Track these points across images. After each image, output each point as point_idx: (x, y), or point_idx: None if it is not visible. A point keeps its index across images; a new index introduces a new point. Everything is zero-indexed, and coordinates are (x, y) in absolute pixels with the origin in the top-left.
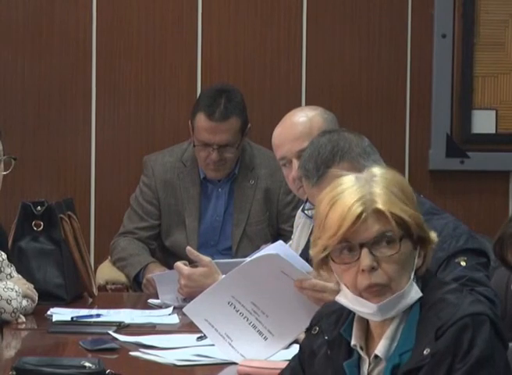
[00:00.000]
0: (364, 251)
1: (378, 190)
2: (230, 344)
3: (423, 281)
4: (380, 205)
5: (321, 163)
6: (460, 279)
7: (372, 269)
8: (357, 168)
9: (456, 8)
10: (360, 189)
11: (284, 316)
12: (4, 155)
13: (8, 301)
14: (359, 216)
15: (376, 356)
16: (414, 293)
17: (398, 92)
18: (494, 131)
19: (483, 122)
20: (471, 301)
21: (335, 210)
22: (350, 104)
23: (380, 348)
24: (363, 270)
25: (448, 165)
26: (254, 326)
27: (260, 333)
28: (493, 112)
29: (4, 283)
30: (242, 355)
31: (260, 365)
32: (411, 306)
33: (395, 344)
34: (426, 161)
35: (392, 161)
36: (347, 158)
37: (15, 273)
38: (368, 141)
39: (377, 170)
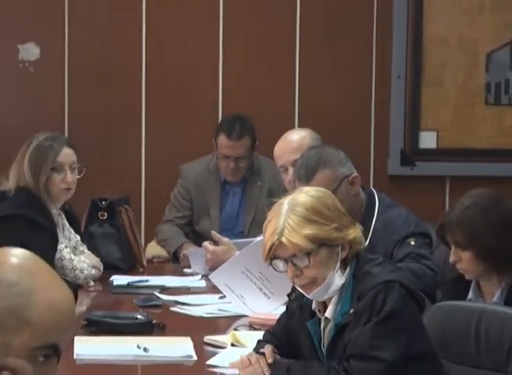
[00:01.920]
0: (290, 264)
1: (291, 221)
2: (243, 302)
3: (356, 260)
4: (284, 238)
5: (310, 170)
6: (411, 254)
7: (296, 276)
8: (336, 173)
9: (408, 57)
10: (278, 219)
11: (281, 281)
12: (78, 164)
13: (82, 271)
14: (273, 244)
15: (326, 318)
16: (338, 279)
17: (366, 118)
18: (435, 147)
19: (427, 140)
20: (389, 271)
21: (265, 235)
22: (330, 126)
23: (328, 312)
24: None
25: (401, 171)
26: (260, 289)
27: (265, 294)
28: (435, 133)
29: (78, 257)
30: (252, 310)
31: (264, 317)
32: (350, 276)
33: (338, 307)
34: (385, 168)
35: (361, 168)
36: (328, 166)
37: (86, 250)
38: (344, 154)
39: (301, 198)
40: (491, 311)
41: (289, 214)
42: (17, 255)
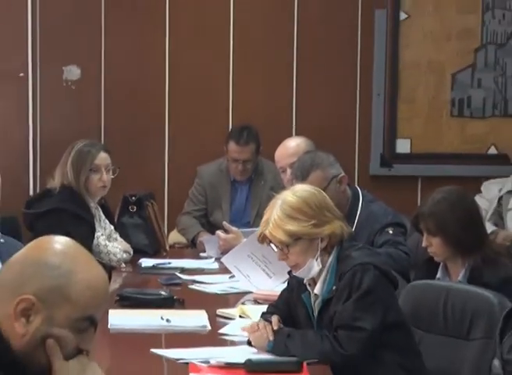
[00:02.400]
0: (278, 249)
1: (276, 215)
2: (249, 281)
3: (340, 246)
4: (268, 231)
5: (304, 171)
6: (389, 241)
7: (283, 259)
8: (326, 173)
9: (386, 78)
10: (270, 212)
11: (281, 263)
12: (112, 166)
13: (115, 255)
14: (262, 232)
15: (316, 294)
16: (316, 265)
17: (351, 128)
18: (409, 152)
19: (402, 146)
20: (366, 254)
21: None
22: (322, 134)
23: (316, 289)
24: None
25: (381, 172)
26: (263, 270)
27: (267, 274)
28: (408, 140)
29: (112, 243)
30: (256, 287)
31: (267, 293)
32: (334, 260)
33: (324, 285)
34: (367, 169)
35: (347, 169)
36: (320, 167)
37: (119, 238)
38: (333, 157)
39: (289, 197)
40: (456, 289)
41: (278, 210)
42: (60, 241)
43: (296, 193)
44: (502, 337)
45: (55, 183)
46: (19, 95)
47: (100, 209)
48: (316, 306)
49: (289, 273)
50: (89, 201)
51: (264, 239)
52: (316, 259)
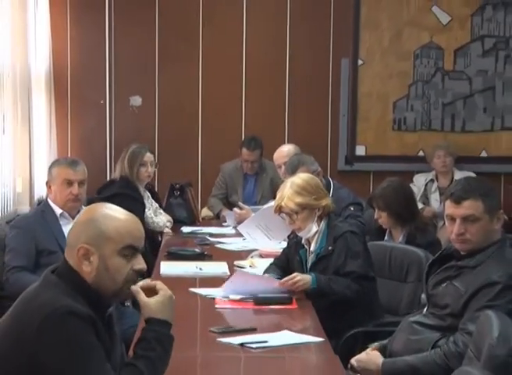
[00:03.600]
0: (287, 217)
1: (287, 192)
2: (256, 242)
3: (329, 218)
4: (285, 202)
5: (293, 168)
6: (351, 215)
7: (291, 224)
8: (308, 169)
9: (349, 104)
10: (283, 190)
11: (277, 231)
12: (155, 162)
13: (158, 224)
14: (278, 204)
15: (311, 251)
16: (314, 228)
17: (325, 138)
18: (364, 154)
19: (360, 150)
20: (348, 224)
21: (276, 198)
22: (305, 143)
23: (312, 247)
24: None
25: (345, 168)
26: (265, 235)
27: (268, 237)
28: (364, 147)
29: (158, 217)
30: (261, 246)
31: (268, 250)
32: (324, 226)
33: (317, 245)
34: (336, 166)
35: (322, 166)
36: (305, 165)
37: (162, 212)
38: (313, 158)
39: (296, 180)
40: (397, 247)
41: (289, 188)
42: (100, 206)
43: (300, 177)
44: (427, 279)
45: (116, 174)
46: (100, 116)
47: (147, 192)
48: (310, 260)
49: (289, 236)
50: (139, 187)
51: (279, 209)
52: (314, 223)
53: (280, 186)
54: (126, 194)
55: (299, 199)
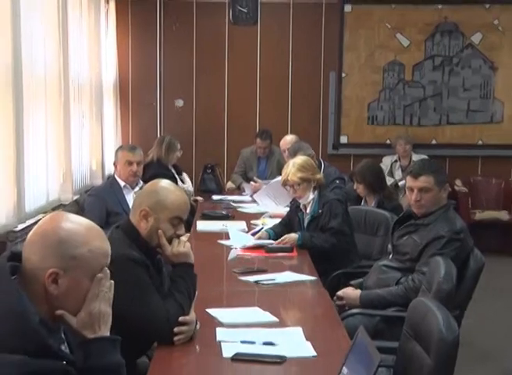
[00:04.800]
0: (291, 188)
1: (291, 170)
2: (267, 206)
3: (320, 187)
4: (289, 177)
5: (294, 152)
6: (336, 187)
7: (293, 193)
8: (305, 153)
9: (335, 105)
10: (288, 168)
11: (282, 198)
12: (181, 150)
13: (190, 191)
14: (284, 178)
15: (307, 214)
16: (311, 195)
17: (318, 130)
18: (346, 142)
19: (343, 139)
20: (334, 193)
21: (282, 174)
22: (304, 133)
23: (308, 210)
24: None
25: (333, 152)
26: (273, 201)
27: (275, 203)
28: (346, 136)
29: (186, 185)
30: (270, 210)
31: (277, 212)
32: (317, 195)
33: (312, 208)
34: (326, 151)
35: (316, 151)
36: (302, 150)
37: (187, 181)
38: (309, 145)
39: (297, 160)
40: (370, 210)
41: (292, 167)
42: (168, 182)
43: (300, 159)
44: (392, 233)
45: (150, 157)
46: (152, 114)
47: (173, 169)
48: (306, 220)
49: (291, 202)
50: (169, 165)
51: (285, 182)
52: (310, 192)
53: (285, 166)
54: (162, 174)
55: (299, 174)
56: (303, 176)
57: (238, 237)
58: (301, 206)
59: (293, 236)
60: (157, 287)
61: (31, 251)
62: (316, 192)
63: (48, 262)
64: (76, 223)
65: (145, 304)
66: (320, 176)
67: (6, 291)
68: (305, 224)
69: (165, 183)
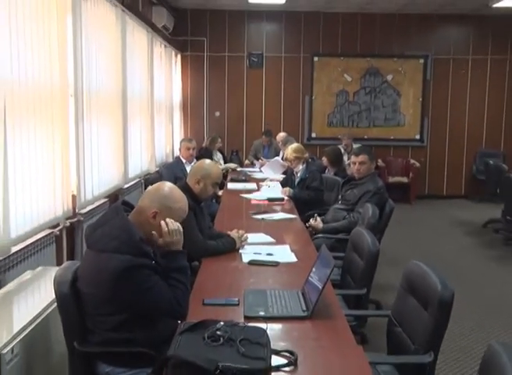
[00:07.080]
0: (289, 162)
1: (289, 151)
2: (269, 174)
3: (306, 161)
4: (289, 156)
5: (284, 142)
6: (310, 163)
7: (290, 165)
8: (292, 144)
9: (305, 115)
10: (287, 152)
11: (278, 169)
12: (221, 143)
13: (223, 166)
14: (286, 157)
15: (298, 176)
16: (300, 166)
17: (298, 129)
18: (315, 136)
19: (313, 135)
20: (314, 166)
21: (285, 154)
22: (291, 131)
23: (298, 175)
24: None
25: (307, 143)
26: (272, 171)
27: (274, 172)
28: (315, 133)
29: (221, 165)
30: (272, 176)
31: (275, 178)
32: (304, 166)
33: (300, 174)
34: (303, 142)
35: (297, 142)
36: (290, 142)
37: (223, 164)
38: (293, 138)
39: (292, 146)
40: (330, 177)
41: (290, 149)
42: (211, 161)
43: (295, 145)
44: (341, 189)
45: (202, 146)
46: (202, 121)
47: (218, 153)
48: (296, 181)
49: (284, 172)
50: (213, 151)
51: (286, 159)
52: (301, 165)
53: (285, 150)
54: (207, 156)
55: (295, 154)
56: (297, 156)
57: (270, 190)
58: (294, 172)
59: (289, 190)
60: (200, 225)
61: (146, 196)
62: (304, 165)
63: (153, 205)
64: (175, 189)
65: (191, 234)
66: (307, 155)
67: (122, 218)
68: (295, 183)
69: (208, 161)
